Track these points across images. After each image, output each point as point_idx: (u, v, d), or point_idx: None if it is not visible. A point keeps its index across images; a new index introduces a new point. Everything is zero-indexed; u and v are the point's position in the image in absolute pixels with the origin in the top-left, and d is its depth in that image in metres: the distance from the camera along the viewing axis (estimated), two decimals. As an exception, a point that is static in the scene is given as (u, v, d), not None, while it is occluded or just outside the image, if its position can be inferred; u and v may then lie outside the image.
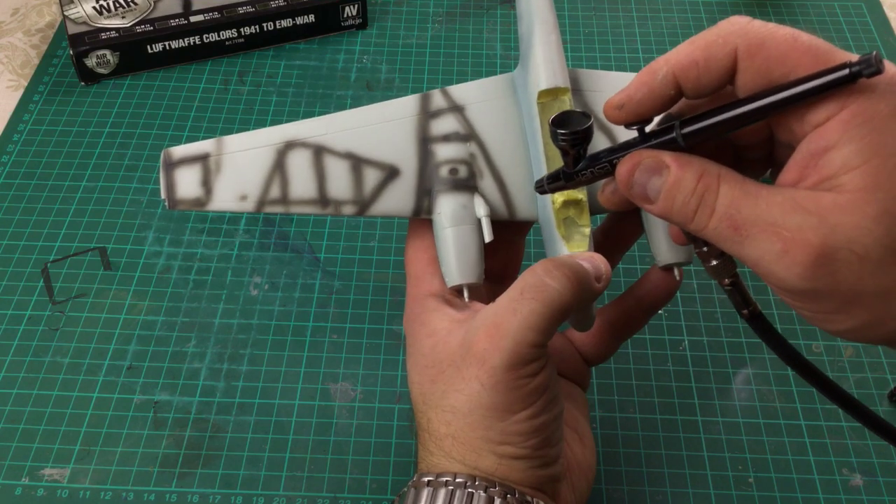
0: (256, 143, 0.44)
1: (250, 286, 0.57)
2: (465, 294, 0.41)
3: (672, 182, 0.32)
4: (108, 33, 0.68)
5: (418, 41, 0.73)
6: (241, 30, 0.71)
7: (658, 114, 0.33)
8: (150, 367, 0.53)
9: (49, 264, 0.58)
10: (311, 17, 0.72)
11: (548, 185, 0.37)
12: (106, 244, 0.59)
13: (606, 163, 0.34)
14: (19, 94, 0.69)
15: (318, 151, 0.44)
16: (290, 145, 0.44)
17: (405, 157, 0.44)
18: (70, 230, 0.60)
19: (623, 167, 0.33)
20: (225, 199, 0.43)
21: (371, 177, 0.44)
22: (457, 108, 0.45)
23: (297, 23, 0.72)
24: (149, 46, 0.69)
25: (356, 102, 0.68)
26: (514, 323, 0.35)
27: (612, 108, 0.33)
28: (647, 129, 0.33)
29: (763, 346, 0.54)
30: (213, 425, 0.50)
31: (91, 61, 0.68)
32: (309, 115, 0.67)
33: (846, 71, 0.27)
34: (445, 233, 0.42)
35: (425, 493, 0.35)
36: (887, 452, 0.49)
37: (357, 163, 0.44)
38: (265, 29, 0.71)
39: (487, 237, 0.42)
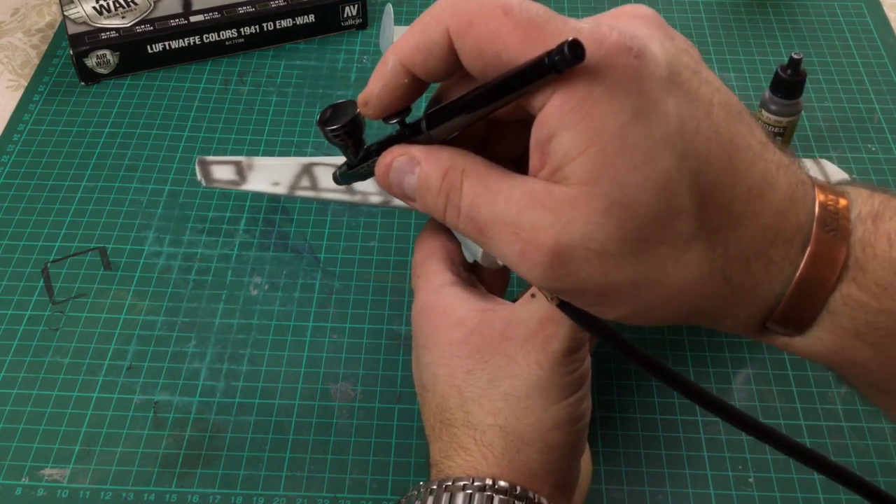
0: (283, 161, 0.48)
1: (250, 286, 0.57)
2: (499, 259, 0.43)
3: (421, 180, 0.30)
4: (108, 33, 0.68)
5: (418, 41, 0.73)
6: (241, 30, 0.71)
7: (406, 104, 0.31)
8: (150, 367, 0.53)
9: (49, 264, 0.58)
10: (311, 17, 0.72)
11: (340, 177, 0.37)
12: (106, 244, 0.59)
13: (377, 157, 0.32)
14: (19, 94, 0.69)
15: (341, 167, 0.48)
16: (313, 164, 0.48)
17: None
18: (70, 230, 0.60)
19: (378, 167, 0.32)
20: (258, 183, 0.47)
21: None
22: None
23: (297, 23, 0.72)
24: (149, 46, 0.69)
25: (356, 102, 0.68)
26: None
27: (360, 105, 0.32)
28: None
29: (763, 345, 0.54)
30: (213, 425, 0.50)
31: (91, 61, 0.68)
32: (309, 114, 0.67)
33: (545, 62, 0.25)
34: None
35: (460, 498, 0.35)
36: (887, 452, 0.49)
37: None
38: (265, 29, 0.71)
39: None
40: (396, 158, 0.31)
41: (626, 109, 0.26)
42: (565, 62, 0.24)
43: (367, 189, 0.47)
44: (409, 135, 0.31)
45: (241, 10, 0.70)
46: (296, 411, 0.51)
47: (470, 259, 0.45)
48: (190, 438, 0.50)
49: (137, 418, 0.51)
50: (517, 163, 0.33)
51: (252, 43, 0.72)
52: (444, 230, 0.46)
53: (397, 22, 0.70)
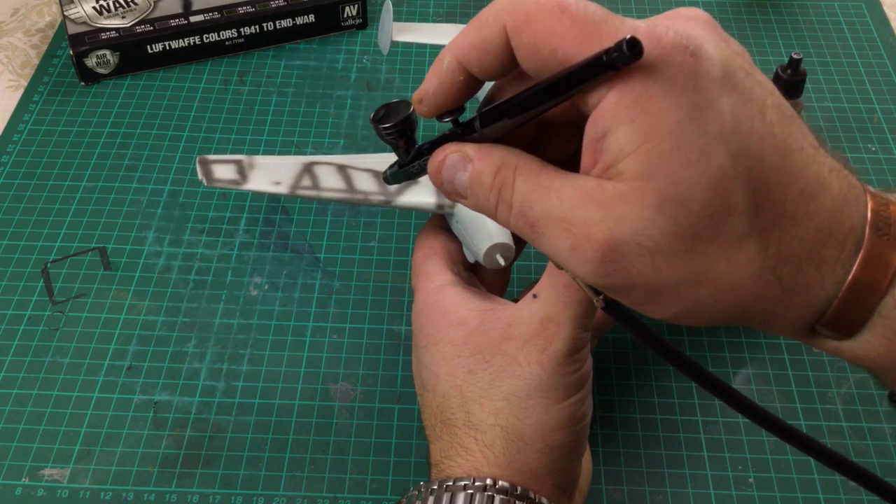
0: (283, 160, 0.48)
1: (250, 286, 0.57)
2: (501, 260, 0.43)
3: (473, 176, 0.30)
4: (108, 33, 0.68)
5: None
6: (241, 30, 0.71)
7: (461, 102, 0.32)
8: (150, 367, 0.53)
9: (49, 264, 0.58)
10: (311, 17, 0.72)
11: (390, 176, 0.37)
12: (106, 244, 0.59)
13: (429, 155, 0.32)
14: (19, 94, 0.69)
15: (341, 167, 0.48)
16: (314, 163, 0.48)
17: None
18: (70, 230, 0.60)
19: (431, 164, 0.32)
20: (260, 182, 0.47)
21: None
22: None
23: (297, 23, 0.72)
24: (149, 46, 0.69)
25: (356, 102, 0.68)
26: (569, 314, 0.36)
27: (415, 103, 0.32)
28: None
29: (763, 345, 0.54)
30: (213, 425, 0.50)
31: (91, 61, 0.68)
32: (309, 114, 0.67)
33: (602, 59, 0.25)
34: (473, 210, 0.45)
35: (461, 498, 0.35)
36: (887, 453, 0.49)
37: (378, 174, 0.48)
38: (265, 29, 0.71)
39: None
40: (449, 155, 0.31)
41: (681, 106, 0.26)
42: (623, 59, 0.25)
43: (368, 189, 0.47)
44: (462, 134, 0.31)
45: (241, 10, 0.70)
46: (296, 411, 0.51)
47: (471, 259, 0.45)
48: (190, 438, 0.50)
49: (137, 418, 0.51)
50: (566, 166, 0.33)
51: (252, 43, 0.72)
52: (444, 230, 0.46)
53: (397, 19, 0.70)
